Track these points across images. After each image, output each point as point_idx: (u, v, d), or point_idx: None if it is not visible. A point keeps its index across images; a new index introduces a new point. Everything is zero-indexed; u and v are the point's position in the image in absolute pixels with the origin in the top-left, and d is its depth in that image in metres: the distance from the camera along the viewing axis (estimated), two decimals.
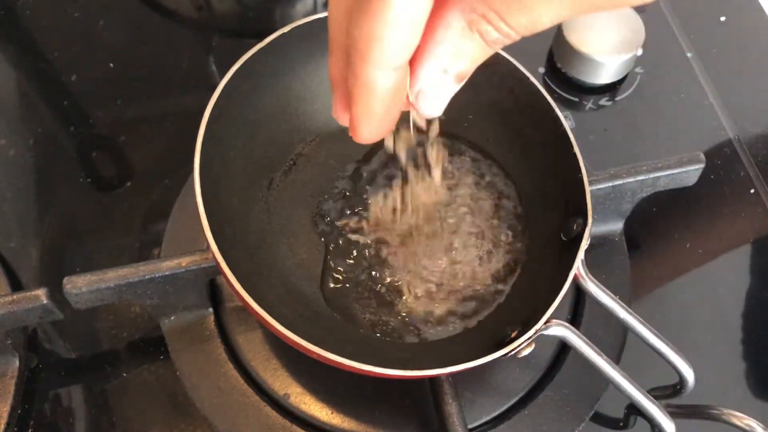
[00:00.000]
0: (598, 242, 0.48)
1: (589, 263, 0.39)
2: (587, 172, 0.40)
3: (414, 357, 0.40)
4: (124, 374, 0.45)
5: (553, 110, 0.42)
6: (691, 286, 0.50)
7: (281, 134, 0.45)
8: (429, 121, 0.38)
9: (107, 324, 0.47)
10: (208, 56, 0.61)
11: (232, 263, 0.35)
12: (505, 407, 0.43)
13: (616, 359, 0.45)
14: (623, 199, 0.46)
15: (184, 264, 0.40)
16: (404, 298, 0.42)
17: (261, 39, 0.41)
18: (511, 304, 0.42)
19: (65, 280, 0.39)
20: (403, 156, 0.40)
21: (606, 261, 0.48)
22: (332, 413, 0.42)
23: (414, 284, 0.43)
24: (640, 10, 0.58)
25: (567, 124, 0.41)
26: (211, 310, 0.45)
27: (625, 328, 0.41)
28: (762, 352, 0.48)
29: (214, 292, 0.45)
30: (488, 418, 0.43)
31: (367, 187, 0.46)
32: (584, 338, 0.37)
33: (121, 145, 0.55)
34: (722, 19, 0.64)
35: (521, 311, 0.39)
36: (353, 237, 0.44)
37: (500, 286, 0.43)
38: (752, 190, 0.54)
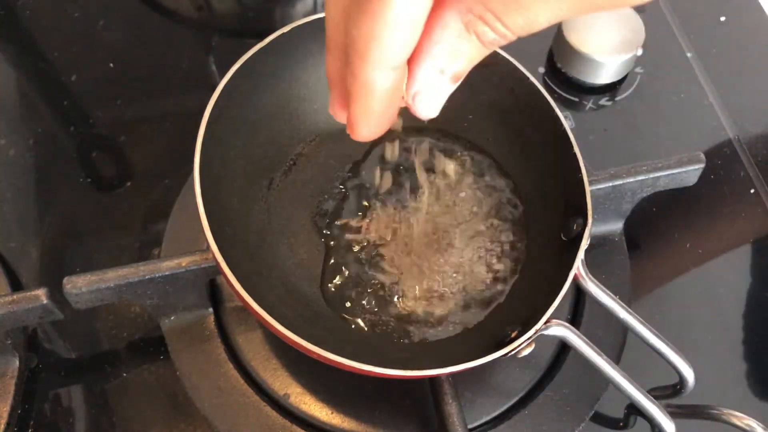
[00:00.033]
0: (598, 242, 0.48)
1: (589, 263, 0.39)
2: (587, 172, 0.40)
3: (414, 357, 0.40)
4: (124, 374, 0.45)
5: (553, 110, 0.42)
6: (691, 286, 0.50)
7: (281, 134, 0.45)
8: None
9: (107, 324, 0.47)
10: (208, 56, 0.61)
11: (232, 263, 0.35)
12: (505, 407, 0.43)
13: (616, 359, 0.45)
14: (623, 199, 0.46)
15: (184, 264, 0.40)
16: (404, 298, 0.42)
17: (261, 39, 0.41)
18: (511, 304, 0.42)
19: (65, 280, 0.39)
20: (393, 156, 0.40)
21: (606, 261, 0.48)
22: (332, 413, 0.42)
23: (414, 284, 0.43)
24: (640, 9, 0.58)
25: (567, 124, 0.41)
26: (211, 310, 0.45)
27: (625, 328, 0.41)
28: (762, 352, 0.48)
29: (214, 292, 0.45)
30: (488, 418, 0.43)
31: (366, 185, 0.46)
32: (584, 338, 0.37)
33: (121, 145, 0.55)
34: (722, 19, 0.63)
35: (521, 311, 0.39)
36: (353, 237, 0.44)
37: (500, 286, 0.43)
38: (752, 190, 0.54)
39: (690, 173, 0.45)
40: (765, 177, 0.55)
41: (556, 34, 0.58)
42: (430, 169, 0.46)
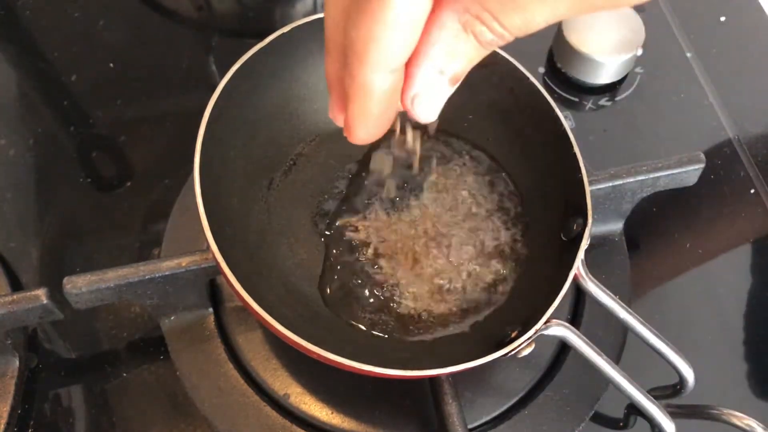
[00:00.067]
0: (598, 242, 0.48)
1: (589, 263, 0.39)
2: (587, 172, 0.40)
3: (414, 357, 0.40)
4: (124, 374, 0.45)
5: (553, 110, 0.42)
6: (691, 286, 0.50)
7: (281, 134, 0.45)
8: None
9: (107, 324, 0.47)
10: (208, 56, 0.61)
11: (232, 263, 0.35)
12: (505, 407, 0.43)
13: (616, 359, 0.45)
14: (623, 199, 0.46)
15: (184, 264, 0.40)
16: (404, 298, 0.42)
17: (261, 39, 0.41)
18: (511, 304, 0.42)
19: (65, 280, 0.39)
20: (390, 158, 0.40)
21: (606, 261, 0.48)
22: (332, 413, 0.42)
23: (414, 284, 0.43)
24: (639, 9, 0.58)
25: (567, 124, 0.41)
26: (211, 310, 0.45)
27: (625, 328, 0.41)
28: (762, 352, 0.48)
29: (214, 292, 0.45)
30: (488, 418, 0.43)
31: (366, 185, 0.46)
32: (584, 338, 0.37)
33: (121, 145, 0.55)
34: (722, 19, 0.63)
35: (521, 311, 0.39)
36: (353, 237, 0.44)
37: (500, 287, 0.43)
38: (752, 190, 0.54)
39: (690, 173, 0.45)
40: (765, 177, 0.55)
41: (556, 34, 0.58)
42: (430, 169, 0.46)
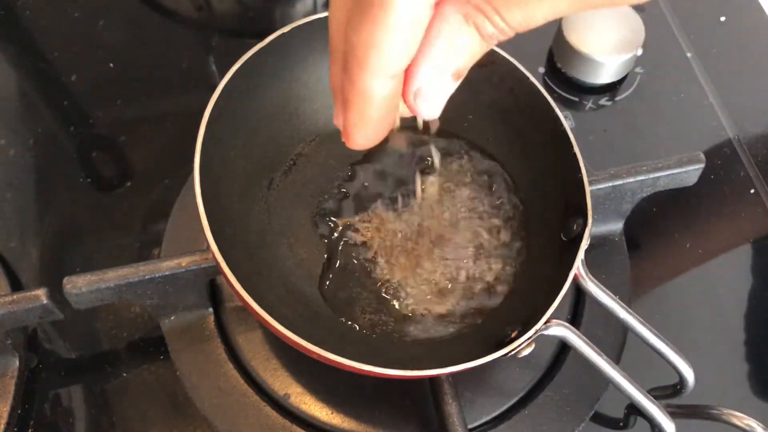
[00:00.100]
0: (598, 242, 0.48)
1: (589, 263, 0.39)
2: (587, 172, 0.40)
3: (414, 357, 0.40)
4: (124, 374, 0.45)
5: (553, 110, 0.42)
6: (691, 286, 0.50)
7: (281, 134, 0.45)
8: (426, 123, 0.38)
9: (107, 324, 0.47)
10: (208, 56, 0.61)
11: (232, 263, 0.35)
12: (505, 407, 0.43)
13: (616, 359, 0.45)
14: (623, 199, 0.46)
15: (184, 264, 0.40)
16: (404, 298, 0.42)
17: (261, 39, 0.41)
18: (511, 304, 0.42)
19: (65, 280, 0.39)
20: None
21: (606, 261, 0.48)
22: (332, 413, 0.42)
23: (414, 284, 0.43)
24: (639, 9, 0.58)
25: (567, 124, 0.41)
26: (211, 310, 0.45)
27: (625, 328, 0.41)
28: (762, 352, 0.48)
29: (214, 292, 0.45)
30: (488, 418, 0.43)
31: (366, 185, 0.46)
32: (584, 338, 0.37)
33: (121, 145, 0.55)
34: (722, 19, 0.63)
35: (521, 311, 0.39)
36: (353, 237, 0.44)
37: (500, 287, 0.43)
38: (752, 190, 0.54)
39: (690, 173, 0.45)
40: (765, 177, 0.55)
41: (556, 34, 0.58)
42: (430, 169, 0.46)
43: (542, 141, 0.43)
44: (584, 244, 0.38)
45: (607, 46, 0.56)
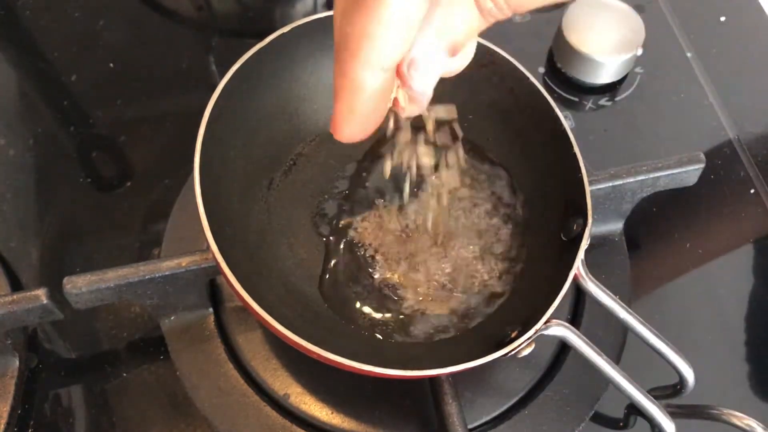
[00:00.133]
0: (598, 242, 0.48)
1: (589, 263, 0.39)
2: (587, 172, 0.40)
3: (414, 357, 0.40)
4: (124, 374, 0.45)
5: (553, 110, 0.42)
6: (691, 286, 0.50)
7: (281, 134, 0.45)
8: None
9: (107, 324, 0.47)
10: (208, 56, 0.61)
11: (232, 263, 0.35)
12: (505, 407, 0.43)
13: (616, 359, 0.45)
14: (623, 199, 0.46)
15: (184, 264, 0.40)
16: (404, 298, 0.42)
17: (261, 39, 0.41)
18: (511, 304, 0.42)
19: (65, 280, 0.39)
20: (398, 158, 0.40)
21: (606, 261, 0.48)
22: (332, 413, 0.42)
23: (414, 284, 0.43)
24: (639, 9, 0.58)
25: (567, 124, 0.41)
26: (211, 310, 0.45)
27: (625, 328, 0.41)
28: (762, 352, 0.48)
29: (214, 292, 0.45)
30: (488, 418, 0.43)
31: (367, 185, 0.46)
32: (584, 338, 0.37)
33: (121, 145, 0.55)
34: (722, 19, 0.63)
35: (521, 311, 0.39)
36: (353, 237, 0.44)
37: (500, 287, 0.43)
38: (752, 190, 0.54)
39: (690, 173, 0.45)
40: (765, 177, 0.55)
41: (556, 34, 0.58)
42: (429, 169, 0.46)
43: (542, 141, 0.43)
44: (584, 244, 0.38)
45: (607, 46, 0.56)
